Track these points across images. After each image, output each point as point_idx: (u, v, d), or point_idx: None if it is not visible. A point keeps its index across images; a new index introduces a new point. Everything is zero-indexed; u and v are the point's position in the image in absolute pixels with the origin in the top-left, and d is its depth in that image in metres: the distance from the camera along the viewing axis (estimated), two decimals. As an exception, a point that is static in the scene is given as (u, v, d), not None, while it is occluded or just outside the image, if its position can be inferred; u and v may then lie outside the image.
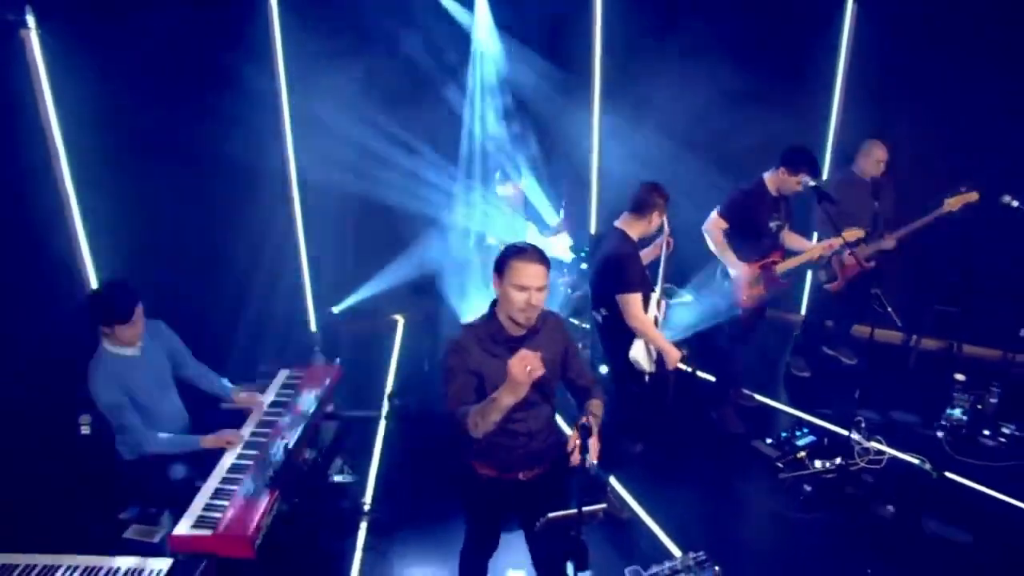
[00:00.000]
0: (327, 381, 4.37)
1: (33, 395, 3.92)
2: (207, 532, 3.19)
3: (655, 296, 4.22)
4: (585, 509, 2.46)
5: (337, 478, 4.28)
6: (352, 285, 6.44)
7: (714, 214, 4.86)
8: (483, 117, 6.37)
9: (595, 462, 2.67)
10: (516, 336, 2.89)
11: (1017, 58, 5.24)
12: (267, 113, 5.55)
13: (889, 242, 5.34)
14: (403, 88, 5.96)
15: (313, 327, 6.38)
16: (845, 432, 4.75)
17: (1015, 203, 4.79)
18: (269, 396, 4.24)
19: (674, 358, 4.16)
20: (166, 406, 3.79)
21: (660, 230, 4.24)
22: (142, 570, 3.03)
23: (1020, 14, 5.12)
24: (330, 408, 4.35)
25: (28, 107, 3.84)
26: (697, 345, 5.77)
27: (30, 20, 3.70)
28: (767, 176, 4.80)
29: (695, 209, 4.99)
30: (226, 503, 3.36)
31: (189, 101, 4.71)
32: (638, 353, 4.12)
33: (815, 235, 5.74)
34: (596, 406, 3.06)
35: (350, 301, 6.45)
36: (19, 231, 3.96)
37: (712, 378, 5.64)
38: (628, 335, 4.11)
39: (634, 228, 4.12)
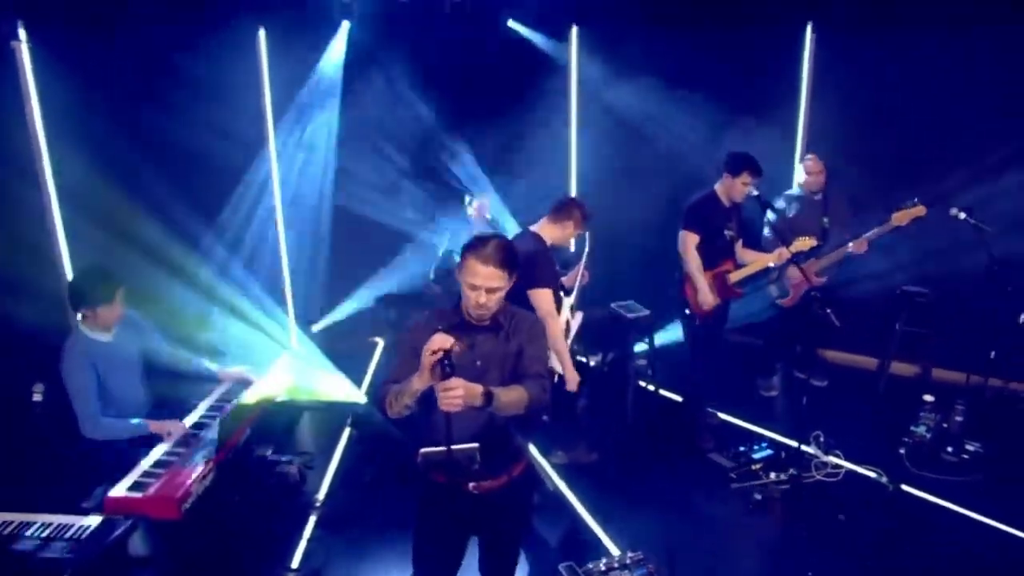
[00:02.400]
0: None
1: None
2: (139, 495, 3.33)
3: (568, 302, 4.36)
4: (455, 448, 2.51)
5: (288, 468, 4.41)
6: (331, 303, 6.65)
7: (683, 233, 4.98)
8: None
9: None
10: (474, 326, 2.72)
11: (964, 75, 5.48)
12: (252, 128, 5.88)
13: (856, 244, 5.27)
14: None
15: (294, 343, 6.58)
16: (803, 447, 4.75)
17: (962, 215, 4.87)
18: (224, 387, 4.40)
19: (572, 381, 4.26)
20: (131, 393, 3.94)
21: (579, 251, 4.42)
22: (71, 526, 3.17)
23: (961, 36, 5.38)
24: (281, 398, 4.49)
25: (16, 114, 4.17)
26: (662, 364, 5.91)
27: (21, 33, 4.09)
28: (716, 186, 4.97)
29: (658, 234, 5.13)
30: (163, 471, 3.50)
31: (173, 113, 5.04)
32: None
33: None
34: (512, 389, 2.62)
35: (329, 320, 6.65)
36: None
37: (678, 397, 5.69)
38: None
39: (549, 232, 4.30)
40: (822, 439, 5.01)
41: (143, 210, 4.79)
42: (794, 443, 4.82)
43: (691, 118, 6.21)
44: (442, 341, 2.35)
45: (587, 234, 4.63)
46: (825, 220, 5.55)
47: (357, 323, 6.79)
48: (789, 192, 5.81)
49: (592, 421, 5.38)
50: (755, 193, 4.74)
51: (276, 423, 4.26)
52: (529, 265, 4.13)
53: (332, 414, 5.27)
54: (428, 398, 2.54)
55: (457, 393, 2.36)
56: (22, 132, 4.25)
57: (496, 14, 6.69)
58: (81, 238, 4.46)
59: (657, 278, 5.58)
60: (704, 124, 6.12)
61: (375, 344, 7.03)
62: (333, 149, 6.22)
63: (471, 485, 2.79)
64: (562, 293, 4.44)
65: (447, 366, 2.34)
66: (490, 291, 2.61)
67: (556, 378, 4.40)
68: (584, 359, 6.32)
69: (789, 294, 5.68)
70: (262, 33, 5.95)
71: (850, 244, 5.29)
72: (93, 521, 3.18)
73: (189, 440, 3.80)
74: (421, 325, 2.73)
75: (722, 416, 5.63)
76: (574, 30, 6.94)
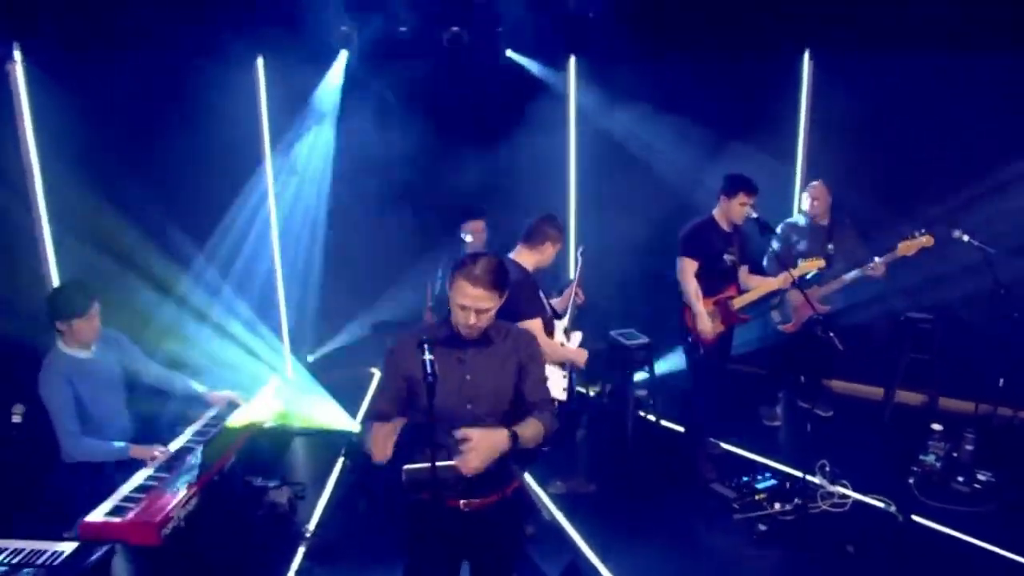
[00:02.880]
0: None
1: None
2: (117, 519, 3.20)
3: (561, 325, 4.28)
4: (439, 464, 2.41)
5: (278, 497, 4.28)
6: (326, 332, 6.56)
7: (681, 259, 4.91)
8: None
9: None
10: (466, 341, 2.64)
11: (963, 97, 5.48)
12: (247, 154, 5.87)
13: (875, 270, 5.15)
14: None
15: (288, 372, 6.47)
16: (808, 477, 4.62)
17: (965, 237, 4.80)
18: (213, 411, 4.29)
19: (582, 358, 4.18)
20: (113, 416, 3.83)
21: (572, 276, 4.36)
22: (44, 552, 3.03)
23: (959, 58, 5.37)
24: (271, 423, 4.38)
25: (9, 132, 4.16)
26: (662, 394, 5.79)
27: (16, 55, 4.10)
28: (714, 211, 4.91)
29: (658, 261, 5.06)
30: (143, 496, 3.38)
31: (168, 137, 5.03)
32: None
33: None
34: (529, 424, 2.65)
35: (325, 349, 6.55)
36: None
37: (679, 428, 5.56)
38: None
39: (527, 258, 4.16)
40: (828, 468, 4.86)
41: (135, 231, 4.73)
42: (799, 473, 4.70)
43: (690, 146, 6.19)
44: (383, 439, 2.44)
45: (581, 253, 4.56)
46: (830, 247, 5.48)
47: (353, 352, 6.68)
48: (791, 221, 5.74)
49: (591, 451, 5.25)
50: (754, 215, 4.67)
51: (265, 449, 4.14)
52: (512, 298, 4.02)
53: (324, 442, 5.14)
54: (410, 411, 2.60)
55: (476, 444, 2.45)
56: (15, 152, 4.22)
57: (494, 45, 6.73)
58: (71, 258, 4.40)
59: (658, 305, 5.51)
60: (703, 152, 6.10)
61: (371, 374, 6.93)
62: (328, 177, 6.19)
63: (462, 503, 2.67)
64: (553, 317, 4.35)
65: (430, 375, 2.27)
66: (480, 312, 2.54)
67: (555, 404, 4.29)
68: (583, 389, 6.22)
69: (791, 320, 5.59)
70: (260, 61, 5.98)
71: (870, 267, 5.18)
72: (68, 547, 3.04)
73: (173, 465, 3.68)
74: (406, 338, 2.66)
75: (724, 446, 5.48)
76: (572, 60, 6.97)
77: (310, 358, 6.62)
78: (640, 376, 5.83)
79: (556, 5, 6.23)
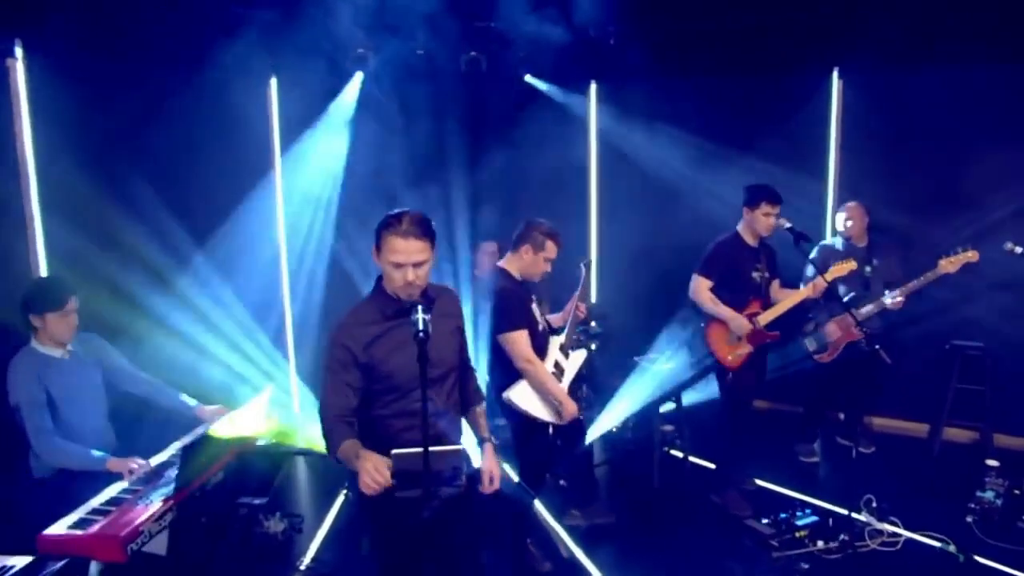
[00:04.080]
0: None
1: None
2: (79, 532, 2.86)
3: (557, 341, 3.96)
4: (432, 449, 2.09)
5: (272, 527, 3.91)
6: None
7: (695, 277, 4.61)
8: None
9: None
10: (408, 309, 2.49)
11: (995, 109, 5.28)
12: (255, 171, 5.70)
13: (893, 302, 4.88)
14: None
15: (296, 408, 6.12)
16: (853, 514, 4.19)
17: (1019, 249, 4.42)
18: (204, 427, 3.96)
19: (570, 411, 3.82)
20: (90, 422, 3.56)
21: (578, 284, 4.15)
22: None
23: (984, 71, 5.22)
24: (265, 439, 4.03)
25: (5, 129, 4.01)
26: (690, 427, 5.39)
27: (18, 51, 3.98)
28: (739, 226, 4.60)
29: (683, 287, 4.76)
30: (113, 509, 3.04)
31: (175, 151, 4.88)
32: (520, 396, 3.76)
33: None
34: (480, 414, 2.92)
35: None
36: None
37: (710, 464, 5.12)
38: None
39: (513, 265, 3.89)
40: (875, 504, 4.40)
41: (131, 228, 4.49)
42: (842, 510, 4.26)
43: (717, 169, 5.94)
44: (378, 472, 2.28)
45: (584, 265, 4.24)
46: (867, 269, 5.13)
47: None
48: (827, 244, 5.41)
49: (613, 486, 4.85)
50: (787, 225, 4.35)
51: (258, 469, 3.78)
52: (494, 308, 3.77)
53: (327, 466, 4.76)
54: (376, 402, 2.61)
55: (493, 471, 2.74)
56: (11, 149, 4.05)
57: (512, 71, 6.62)
58: (64, 255, 4.16)
59: (685, 333, 5.16)
60: (731, 175, 5.79)
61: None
62: (336, 199, 6.00)
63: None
64: (549, 332, 4.04)
65: (421, 332, 2.18)
66: (417, 265, 2.50)
67: (551, 429, 3.94)
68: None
69: (827, 348, 5.19)
70: (274, 81, 5.87)
71: (887, 299, 4.85)
72: (19, 561, 2.69)
73: (151, 478, 3.35)
74: (349, 324, 2.61)
75: (758, 482, 5.03)
76: (593, 86, 6.83)
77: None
78: (667, 406, 5.46)
79: (576, 31, 6.11)
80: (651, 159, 6.27)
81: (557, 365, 3.94)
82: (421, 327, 2.22)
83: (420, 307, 2.31)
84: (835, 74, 5.85)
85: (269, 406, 3.81)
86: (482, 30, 6.28)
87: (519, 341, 3.70)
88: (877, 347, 3.82)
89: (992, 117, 5.30)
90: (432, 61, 6.12)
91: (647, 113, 6.32)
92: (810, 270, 5.06)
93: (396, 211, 2.54)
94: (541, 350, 3.84)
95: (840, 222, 5.29)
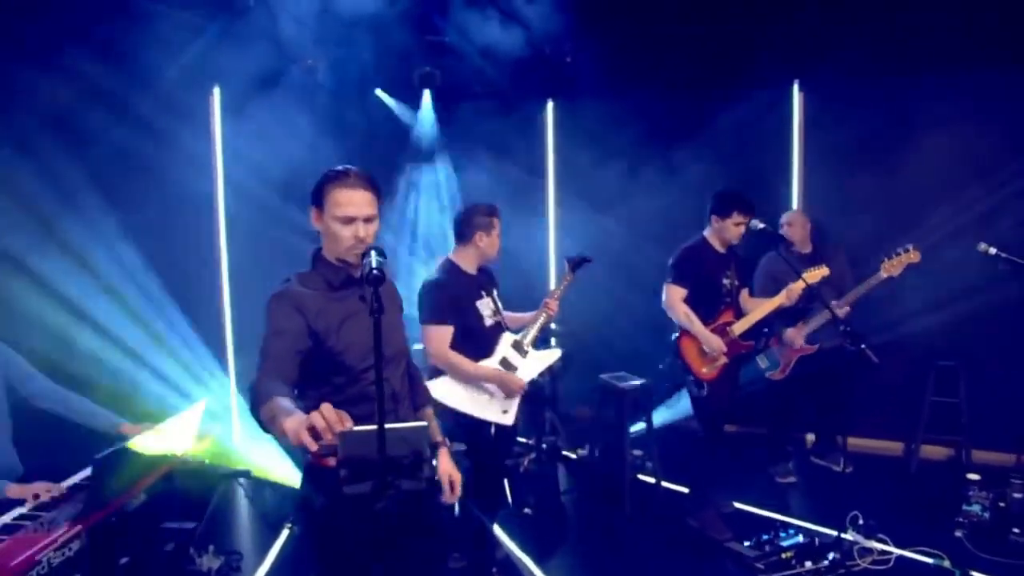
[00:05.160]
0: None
1: None
2: (-39, 563, 2.39)
3: (510, 338, 3.67)
4: (389, 427, 1.70)
5: (208, 563, 3.42)
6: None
7: (668, 286, 4.35)
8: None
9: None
10: (358, 279, 2.29)
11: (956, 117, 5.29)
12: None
13: (840, 310, 4.54)
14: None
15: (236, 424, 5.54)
16: (840, 533, 3.96)
17: (992, 250, 4.29)
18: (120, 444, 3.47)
19: (514, 384, 3.55)
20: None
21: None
22: None
23: (946, 78, 5.24)
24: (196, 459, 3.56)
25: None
26: (660, 452, 5.09)
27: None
28: (705, 232, 4.39)
29: (648, 303, 4.57)
30: (6, 538, 2.56)
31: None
32: (441, 390, 3.46)
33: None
34: (428, 413, 2.72)
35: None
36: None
37: (683, 488, 4.80)
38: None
39: (463, 257, 3.64)
40: (861, 521, 4.14)
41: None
42: (828, 530, 3.99)
43: (681, 183, 5.79)
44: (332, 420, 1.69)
45: (569, 261, 3.91)
46: None
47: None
48: (771, 254, 5.17)
49: (581, 514, 4.49)
50: (761, 226, 4.15)
51: (188, 491, 3.32)
52: (421, 297, 3.52)
53: (270, 494, 4.27)
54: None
55: (452, 474, 2.55)
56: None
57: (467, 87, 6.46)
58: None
59: (651, 348, 4.91)
60: (695, 188, 5.64)
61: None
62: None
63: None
64: (496, 330, 3.71)
65: (375, 270, 1.88)
66: (367, 220, 2.28)
67: (493, 429, 3.58)
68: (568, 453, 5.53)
69: (779, 365, 4.99)
70: (216, 91, 5.52)
71: (838, 309, 4.64)
72: None
73: (59, 503, 2.87)
74: (296, 288, 2.28)
75: (736, 504, 4.74)
76: (549, 104, 6.69)
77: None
78: (636, 427, 5.16)
79: (532, 48, 5.97)
80: (613, 176, 6.09)
81: (507, 363, 3.61)
82: (375, 265, 1.90)
83: (374, 251, 1.98)
84: (796, 86, 5.81)
85: (203, 421, 3.35)
86: (436, 45, 6.13)
87: (435, 337, 3.43)
88: (863, 346, 3.60)
89: (948, 126, 5.31)
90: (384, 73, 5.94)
91: (604, 127, 6.15)
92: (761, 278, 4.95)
93: (338, 167, 2.30)
94: (484, 347, 3.56)
95: (783, 230, 5.17)
